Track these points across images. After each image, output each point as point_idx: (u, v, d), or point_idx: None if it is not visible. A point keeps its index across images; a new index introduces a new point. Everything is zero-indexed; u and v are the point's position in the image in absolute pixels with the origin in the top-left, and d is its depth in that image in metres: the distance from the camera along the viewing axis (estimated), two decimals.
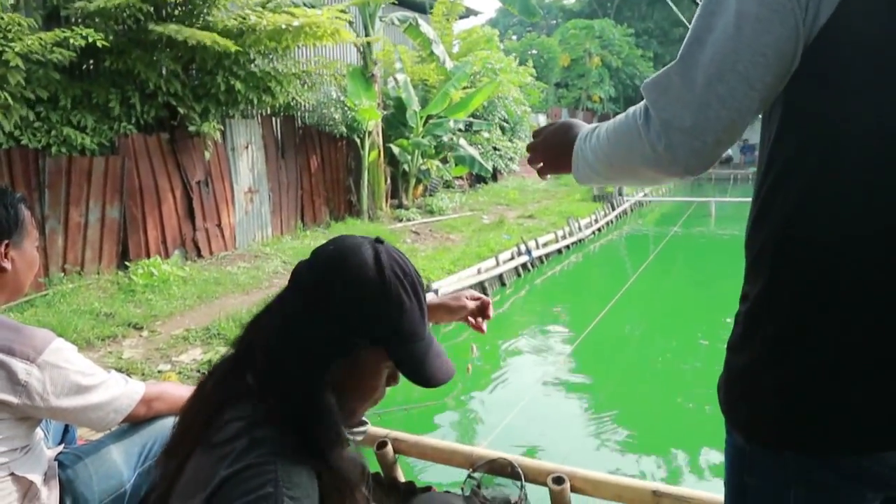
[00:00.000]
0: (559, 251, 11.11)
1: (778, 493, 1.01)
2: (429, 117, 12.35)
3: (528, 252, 9.73)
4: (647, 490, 2.18)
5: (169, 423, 1.64)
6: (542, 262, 10.37)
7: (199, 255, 8.41)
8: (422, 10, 14.15)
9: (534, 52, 25.97)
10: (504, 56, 16.26)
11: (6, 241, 1.52)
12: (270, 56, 9.01)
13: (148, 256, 7.55)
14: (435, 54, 11.69)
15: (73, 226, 6.96)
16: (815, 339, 0.92)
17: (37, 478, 1.49)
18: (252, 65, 8.66)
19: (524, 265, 9.72)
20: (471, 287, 8.11)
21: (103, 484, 1.62)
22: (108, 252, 7.30)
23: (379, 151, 11.50)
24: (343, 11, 8.77)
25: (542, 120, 21.84)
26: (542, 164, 1.28)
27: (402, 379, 1.08)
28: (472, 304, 1.60)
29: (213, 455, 0.93)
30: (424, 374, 1.04)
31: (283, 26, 7.68)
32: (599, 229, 13.37)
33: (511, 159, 16.73)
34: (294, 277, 1.05)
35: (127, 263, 7.32)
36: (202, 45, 7.33)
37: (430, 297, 1.49)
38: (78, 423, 1.72)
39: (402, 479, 2.56)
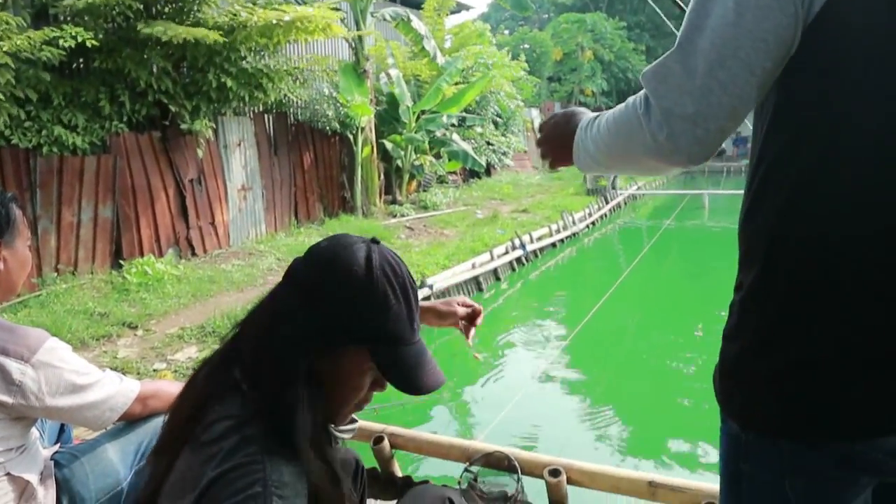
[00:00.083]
0: (553, 245, 11.12)
1: (773, 480, 1.01)
2: (421, 113, 12.34)
3: (523, 246, 9.74)
4: (642, 481, 2.19)
5: None
6: (536, 256, 10.38)
7: (193, 253, 8.39)
8: (413, 5, 14.12)
9: (526, 46, 25.91)
10: (496, 51, 16.24)
11: None
12: (262, 53, 8.98)
13: (142, 255, 7.53)
14: (426, 50, 11.67)
15: (66, 226, 6.93)
16: (808, 328, 0.93)
17: (33, 477, 1.49)
18: (243, 62, 8.62)
19: (519, 259, 9.72)
20: (465, 282, 8.12)
21: (100, 482, 1.62)
22: (102, 251, 7.27)
23: (372, 147, 11.48)
24: (336, 9, 8.74)
25: (535, 114, 21.83)
26: (550, 156, 1.28)
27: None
28: (462, 311, 1.60)
29: (202, 455, 0.93)
30: (408, 380, 1.03)
31: (275, 21, 7.64)
32: (593, 223, 13.39)
33: (504, 154, 16.73)
34: (288, 273, 1.06)
35: (121, 262, 7.30)
36: (193, 43, 7.30)
37: (421, 302, 1.49)
38: (73, 423, 1.72)
39: (399, 473, 2.57)
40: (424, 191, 13.68)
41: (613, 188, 16.00)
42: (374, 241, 1.07)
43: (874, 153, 0.86)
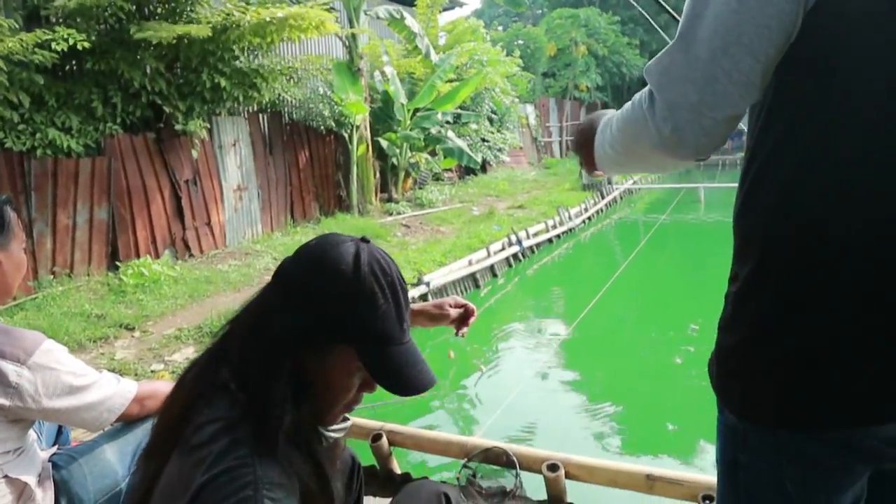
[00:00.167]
0: (550, 241, 11.13)
1: (771, 470, 1.02)
2: (416, 110, 12.33)
3: (519, 242, 9.74)
4: (640, 474, 2.20)
5: None
6: (532, 251, 10.39)
7: (190, 254, 8.38)
8: (406, 2, 14.10)
9: (520, 42, 25.88)
10: (491, 47, 16.22)
11: None
12: (256, 52, 8.96)
13: (138, 257, 7.51)
14: (419, 48, 11.66)
15: (62, 228, 6.92)
16: (804, 318, 0.93)
17: (31, 479, 1.49)
18: (237, 61, 8.61)
19: (515, 255, 9.73)
20: (462, 279, 8.13)
21: (98, 483, 1.62)
22: (98, 253, 7.26)
23: (367, 145, 11.47)
24: (330, 9, 8.71)
25: (530, 110, 21.82)
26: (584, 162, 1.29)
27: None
28: (454, 312, 1.59)
29: (191, 458, 0.92)
30: (396, 381, 1.02)
31: (268, 19, 7.62)
32: (589, 218, 13.41)
33: (500, 150, 16.72)
34: (277, 271, 1.06)
35: (117, 264, 7.28)
36: (186, 43, 7.28)
37: (412, 304, 1.49)
38: (71, 424, 1.72)
39: (397, 470, 2.57)
40: (420, 188, 13.67)
41: (609, 183, 16.01)
42: (364, 239, 1.06)
43: (868, 145, 0.86)
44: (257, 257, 8.45)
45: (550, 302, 8.60)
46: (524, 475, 2.35)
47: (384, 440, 2.51)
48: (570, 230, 12.04)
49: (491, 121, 16.64)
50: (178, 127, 7.83)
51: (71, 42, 6.28)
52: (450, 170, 15.23)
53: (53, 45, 6.18)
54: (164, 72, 7.64)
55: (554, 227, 11.42)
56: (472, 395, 5.42)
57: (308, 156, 10.90)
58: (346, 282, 0.98)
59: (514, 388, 5.12)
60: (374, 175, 11.92)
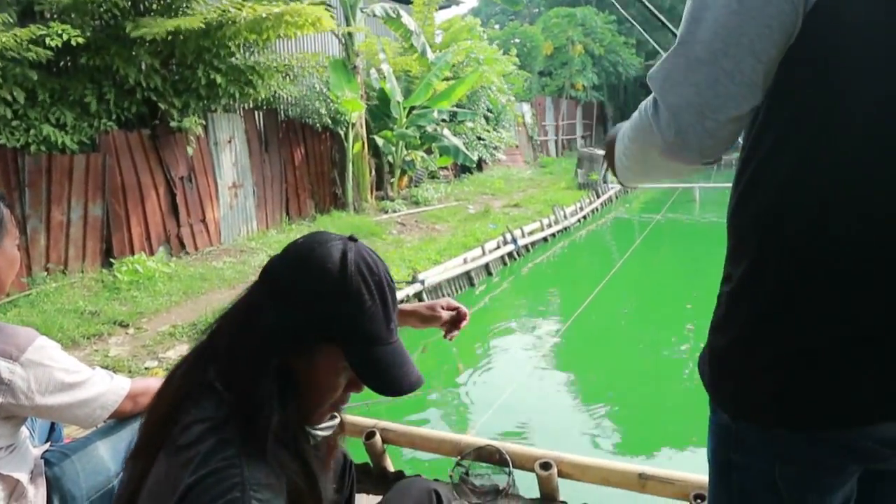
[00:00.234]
0: (545, 239, 11.14)
1: (764, 469, 1.02)
2: (412, 108, 12.32)
3: (514, 241, 9.75)
4: (633, 473, 2.21)
5: None
6: (528, 250, 10.40)
7: (185, 251, 8.37)
8: (403, 0, 14.07)
9: (517, 40, 25.85)
10: (487, 45, 16.20)
11: None
12: (251, 49, 8.94)
13: (132, 253, 7.50)
14: (415, 46, 11.65)
15: (56, 224, 6.90)
16: (799, 318, 0.93)
17: (23, 476, 1.49)
18: (233, 58, 8.59)
19: (510, 254, 9.74)
20: (457, 277, 8.13)
21: (91, 480, 1.62)
22: (92, 250, 7.24)
23: (363, 143, 11.46)
24: (328, 7, 8.68)
25: (526, 109, 21.81)
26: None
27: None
28: (446, 315, 1.57)
29: (178, 459, 0.92)
30: (382, 381, 1.01)
31: (264, 15, 7.60)
32: (585, 217, 13.41)
33: (496, 149, 16.71)
34: (264, 270, 1.05)
35: (111, 261, 7.27)
36: (181, 40, 7.25)
37: (404, 305, 1.49)
38: (64, 421, 1.71)
39: (391, 468, 2.58)
40: (416, 186, 13.66)
41: (605, 182, 16.01)
42: (352, 238, 1.06)
43: (868, 145, 0.86)
44: (252, 254, 8.44)
45: (545, 301, 8.61)
46: (517, 473, 2.36)
47: (377, 438, 2.52)
48: (566, 229, 12.05)
49: (487, 119, 16.63)
50: (173, 124, 7.80)
51: (65, 38, 6.26)
52: (445, 168, 15.22)
53: (48, 40, 6.15)
54: (159, 68, 7.62)
55: (549, 225, 11.43)
56: (466, 393, 5.42)
57: (304, 153, 10.89)
58: (332, 281, 0.98)
59: (508, 387, 5.13)
60: (370, 173, 11.91)
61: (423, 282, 7.15)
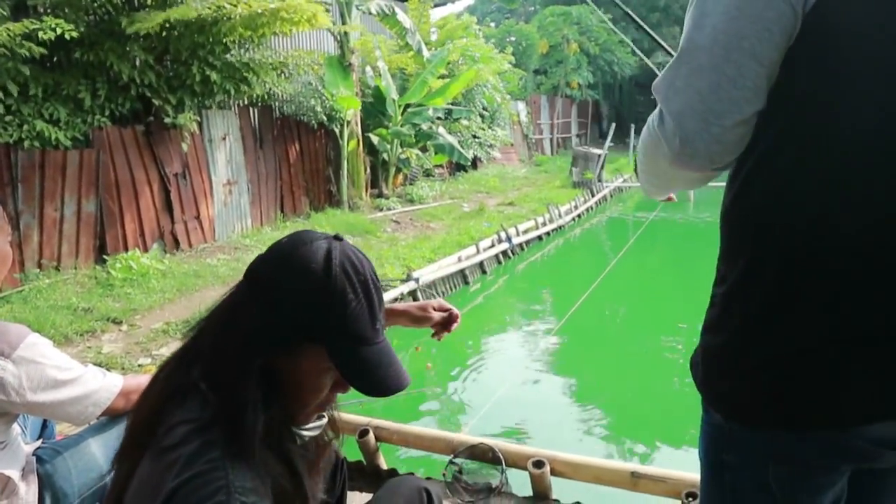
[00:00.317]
0: (539, 238, 11.15)
1: (756, 469, 1.03)
2: (407, 106, 12.31)
3: (509, 239, 9.76)
4: (625, 471, 2.22)
5: None
6: (522, 249, 10.41)
7: (178, 247, 8.34)
8: None
9: (512, 38, 25.85)
10: (483, 44, 16.20)
11: None
12: (247, 46, 8.91)
13: (126, 250, 7.47)
14: (410, 44, 11.64)
15: (49, 220, 6.87)
16: (795, 318, 0.94)
17: (14, 473, 1.49)
18: (228, 55, 8.56)
19: (505, 252, 9.74)
20: (451, 275, 8.13)
21: (83, 477, 1.62)
22: (85, 246, 7.22)
23: (358, 141, 11.44)
24: (325, 7, 8.66)
25: (521, 107, 21.82)
26: None
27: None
28: (437, 316, 1.56)
29: (162, 461, 0.91)
30: (367, 382, 1.00)
31: (259, 11, 7.57)
32: (579, 215, 13.43)
33: (491, 147, 16.71)
34: (248, 269, 1.04)
35: (105, 257, 7.24)
36: (176, 36, 7.22)
37: (395, 304, 1.48)
38: (56, 418, 1.71)
39: (384, 466, 2.58)
40: (411, 184, 13.66)
41: (599, 181, 16.05)
42: (337, 237, 1.04)
43: (866, 145, 0.86)
44: (246, 252, 8.43)
45: (539, 299, 8.63)
46: (510, 472, 2.36)
47: (371, 436, 2.52)
48: (560, 227, 12.06)
49: (482, 117, 16.64)
50: (167, 120, 7.78)
51: (59, 32, 6.22)
52: (440, 166, 15.22)
53: (41, 34, 6.11)
54: (153, 64, 7.59)
55: (544, 224, 11.44)
56: (460, 391, 5.43)
57: (298, 150, 10.87)
58: (316, 281, 0.97)
59: (502, 385, 5.14)
60: (365, 170, 11.90)
61: (417, 280, 7.15)
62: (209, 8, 7.45)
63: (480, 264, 8.98)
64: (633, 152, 21.69)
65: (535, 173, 18.55)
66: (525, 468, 2.31)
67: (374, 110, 12.23)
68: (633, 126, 21.69)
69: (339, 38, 11.04)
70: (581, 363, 6.22)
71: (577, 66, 26.28)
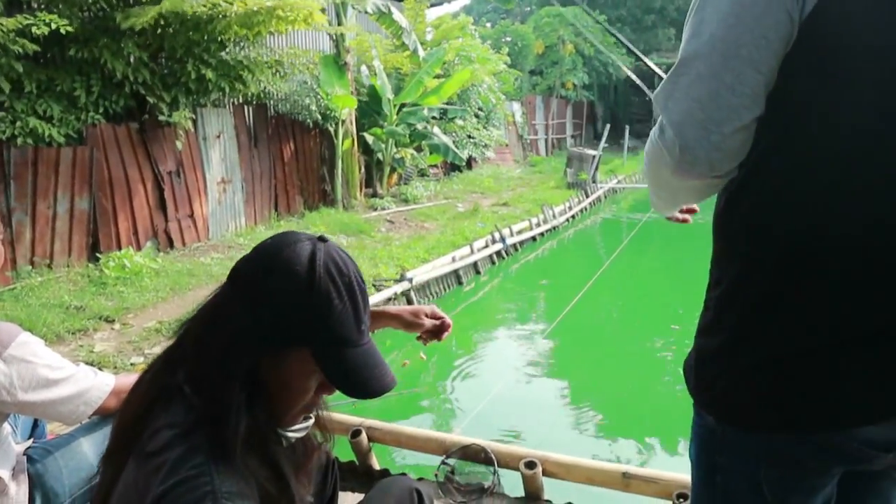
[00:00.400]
0: (533, 238, 11.16)
1: (748, 471, 1.03)
2: (402, 105, 12.30)
3: (503, 240, 9.76)
4: (617, 472, 2.23)
5: None
6: (516, 249, 10.42)
7: (172, 246, 8.32)
8: None
9: (508, 39, 25.87)
10: (479, 44, 16.20)
11: None
12: (242, 44, 8.89)
13: (119, 248, 7.45)
14: (406, 44, 11.64)
15: (41, 218, 6.84)
16: (790, 321, 0.94)
17: (4, 473, 1.48)
18: (223, 53, 8.54)
19: (499, 253, 9.75)
20: (445, 275, 8.13)
21: (74, 477, 1.61)
22: (78, 244, 7.19)
23: (353, 140, 11.43)
24: (322, 11, 8.63)
25: (516, 108, 21.83)
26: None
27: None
28: (429, 323, 1.54)
29: (148, 466, 0.90)
30: (352, 384, 1.00)
31: (255, 9, 7.54)
32: (574, 216, 13.44)
33: (486, 147, 16.72)
34: (232, 271, 1.04)
35: (98, 256, 7.21)
36: (171, 33, 7.20)
37: (388, 307, 1.48)
38: (47, 418, 1.70)
39: (376, 466, 2.58)
40: (405, 184, 13.65)
41: (594, 181, 16.07)
42: (321, 238, 1.04)
43: (863, 148, 0.87)
44: (240, 250, 8.40)
45: (533, 300, 8.64)
46: (502, 472, 2.37)
47: (363, 436, 2.52)
48: (554, 228, 12.07)
49: (477, 117, 16.64)
50: (162, 118, 7.75)
51: (54, 26, 6.19)
52: (435, 166, 15.22)
53: (34, 29, 6.08)
54: (148, 61, 7.56)
55: (538, 224, 11.45)
56: (452, 392, 5.43)
57: (293, 149, 10.85)
58: (300, 283, 0.96)
59: (494, 386, 5.14)
60: (359, 170, 11.89)
61: (411, 280, 7.15)
62: (204, 5, 7.43)
63: (474, 265, 8.99)
64: (627, 153, 21.77)
65: (529, 174, 18.57)
66: (517, 469, 2.32)
67: (370, 109, 12.22)
68: (627, 127, 21.73)
69: (334, 36, 11.02)
70: (574, 364, 6.23)
71: (572, 66, 26.31)
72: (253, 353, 0.96)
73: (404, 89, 12.30)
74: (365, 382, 1.00)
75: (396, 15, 11.46)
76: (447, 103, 13.89)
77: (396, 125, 12.03)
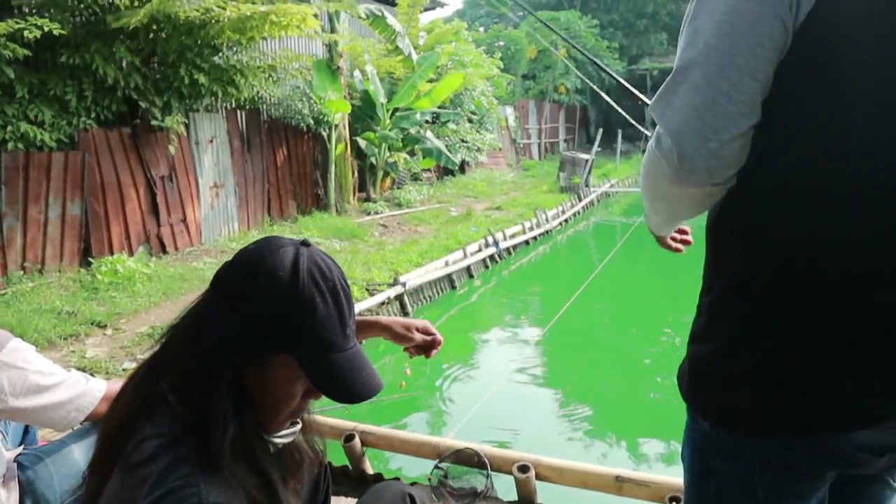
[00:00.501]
0: (527, 242, 11.17)
1: (743, 476, 1.04)
2: (395, 110, 12.31)
3: (496, 244, 9.77)
4: (610, 476, 2.23)
5: None
6: (509, 253, 10.42)
7: (165, 251, 8.29)
8: (387, 1, 14.06)
9: (501, 43, 25.93)
10: (473, 49, 16.23)
11: None
12: (235, 49, 8.88)
13: (111, 253, 7.42)
14: (399, 48, 11.65)
15: (33, 223, 6.81)
16: (784, 326, 0.94)
17: None
18: (216, 57, 8.53)
19: (492, 257, 9.75)
20: (439, 279, 8.13)
21: (65, 484, 1.60)
22: (70, 249, 7.16)
23: (346, 145, 11.43)
24: (315, 16, 8.62)
25: (509, 112, 21.88)
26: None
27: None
28: (419, 338, 1.50)
29: (133, 477, 0.89)
30: (338, 389, 0.99)
31: (248, 14, 7.53)
32: (567, 220, 13.46)
33: (479, 151, 16.74)
34: (215, 277, 1.02)
35: (90, 260, 7.18)
36: (163, 38, 7.18)
37: (380, 317, 1.47)
38: (39, 424, 1.70)
39: (370, 471, 2.58)
40: (398, 188, 13.65)
41: (587, 185, 16.11)
42: (305, 243, 1.02)
43: (859, 155, 0.88)
44: (233, 255, 8.37)
45: (526, 304, 8.64)
46: (495, 476, 2.37)
47: (357, 440, 2.52)
48: (547, 232, 12.09)
49: (470, 121, 16.67)
50: (154, 122, 7.74)
51: (45, 29, 6.17)
52: (428, 170, 15.23)
53: (26, 33, 6.06)
54: (140, 66, 7.55)
55: (531, 228, 11.46)
56: (447, 395, 5.43)
57: (286, 154, 10.84)
58: (284, 288, 0.95)
59: (487, 390, 5.14)
60: (353, 174, 11.89)
61: (404, 284, 7.14)
62: (197, 10, 7.42)
63: (468, 269, 8.98)
64: (620, 157, 21.83)
65: (522, 178, 18.60)
66: (510, 472, 2.32)
67: (363, 114, 12.23)
68: (620, 131, 21.79)
69: (327, 41, 11.02)
70: (567, 368, 6.24)
71: (565, 70, 26.39)
72: (237, 359, 0.95)
73: (397, 93, 12.31)
74: (351, 387, 1.00)
75: (390, 19, 11.47)
76: (440, 107, 13.91)
77: (389, 129, 12.03)
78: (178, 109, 8.02)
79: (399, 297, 7.12)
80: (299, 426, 1.13)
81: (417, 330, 1.50)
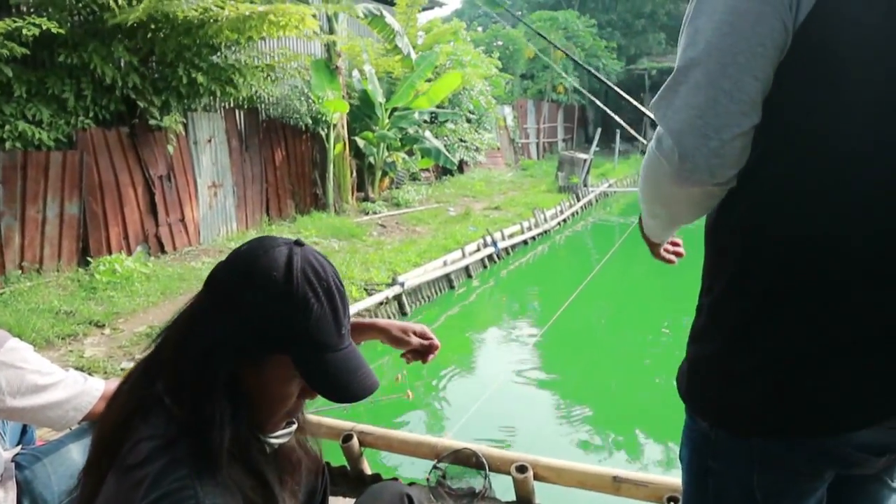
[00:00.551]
0: (525, 242, 11.17)
1: (741, 476, 1.04)
2: (394, 109, 12.31)
3: (494, 244, 9.77)
4: (607, 476, 2.24)
5: None
6: (508, 253, 10.43)
7: (163, 250, 8.29)
8: (386, 1, 14.05)
9: (499, 43, 25.94)
10: (472, 48, 16.23)
11: None
12: (233, 48, 8.88)
13: (110, 253, 7.41)
14: (398, 48, 11.64)
15: (31, 222, 6.80)
16: (784, 327, 0.95)
17: None
18: (214, 57, 8.52)
19: (490, 257, 9.76)
20: (437, 279, 8.13)
21: (63, 484, 1.60)
22: (68, 249, 7.15)
23: (344, 144, 11.43)
24: (313, 16, 8.62)
25: (508, 111, 21.88)
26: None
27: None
28: (416, 342, 1.49)
29: (129, 480, 0.88)
30: (333, 388, 0.99)
31: (247, 14, 7.53)
32: (565, 220, 13.46)
33: (477, 150, 16.74)
34: (208, 278, 1.02)
35: (88, 260, 7.18)
36: (161, 37, 7.16)
37: (377, 320, 1.47)
38: (37, 423, 1.70)
39: (368, 471, 2.58)
40: (397, 188, 13.65)
41: (585, 185, 16.11)
42: (298, 242, 1.02)
43: (858, 155, 0.88)
44: None
45: (524, 304, 8.65)
46: (493, 476, 2.37)
47: (355, 441, 2.52)
48: (546, 232, 12.09)
49: (469, 121, 16.67)
50: (152, 122, 7.73)
51: (43, 28, 6.16)
52: (427, 170, 15.23)
53: (24, 31, 6.05)
54: (138, 66, 7.54)
55: (529, 228, 11.47)
56: (445, 395, 5.43)
57: (284, 153, 10.84)
58: (277, 289, 0.95)
59: (486, 390, 5.14)
60: (351, 174, 11.88)
61: (402, 284, 7.14)
62: (195, 10, 7.41)
63: (466, 268, 8.99)
64: (618, 157, 21.83)
65: (521, 177, 18.60)
66: (508, 473, 2.32)
67: (361, 114, 12.22)
68: (618, 131, 21.79)
69: (325, 41, 11.01)
70: (565, 368, 6.24)
71: (563, 70, 26.39)
72: (233, 360, 0.95)
73: (396, 93, 12.31)
74: (346, 386, 0.99)
75: (388, 19, 11.45)
76: (439, 107, 13.91)
77: (388, 129, 12.03)
78: (177, 109, 8.01)
79: (397, 297, 7.13)
80: (295, 426, 1.13)
81: (415, 334, 1.49)
